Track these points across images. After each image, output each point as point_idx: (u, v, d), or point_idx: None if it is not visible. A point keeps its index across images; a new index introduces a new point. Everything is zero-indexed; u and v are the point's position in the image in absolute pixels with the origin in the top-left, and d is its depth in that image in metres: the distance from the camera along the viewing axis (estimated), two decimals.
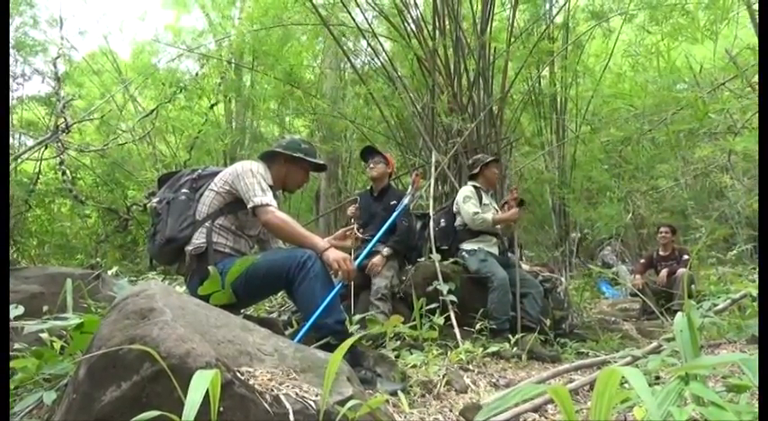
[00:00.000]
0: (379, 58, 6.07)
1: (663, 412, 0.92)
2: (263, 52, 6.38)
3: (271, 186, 2.51)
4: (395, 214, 2.90)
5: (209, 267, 2.14)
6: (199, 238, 2.40)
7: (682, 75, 5.81)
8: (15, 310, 2.56)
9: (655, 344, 2.46)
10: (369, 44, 5.99)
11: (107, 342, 1.27)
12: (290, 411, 1.26)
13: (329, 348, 1.88)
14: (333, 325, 2.15)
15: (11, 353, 2.09)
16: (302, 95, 6.40)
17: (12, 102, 6.69)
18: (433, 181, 4.57)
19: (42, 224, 6.67)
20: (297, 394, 1.34)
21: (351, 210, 3.60)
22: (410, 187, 3.05)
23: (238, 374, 1.29)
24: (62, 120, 6.07)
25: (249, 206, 2.36)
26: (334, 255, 2.24)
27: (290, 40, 6.49)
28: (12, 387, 1.46)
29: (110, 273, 3.35)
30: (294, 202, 7.31)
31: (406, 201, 2.95)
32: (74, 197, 6.33)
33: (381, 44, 6.08)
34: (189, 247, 2.39)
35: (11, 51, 6.27)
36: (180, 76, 7.20)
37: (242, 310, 2.60)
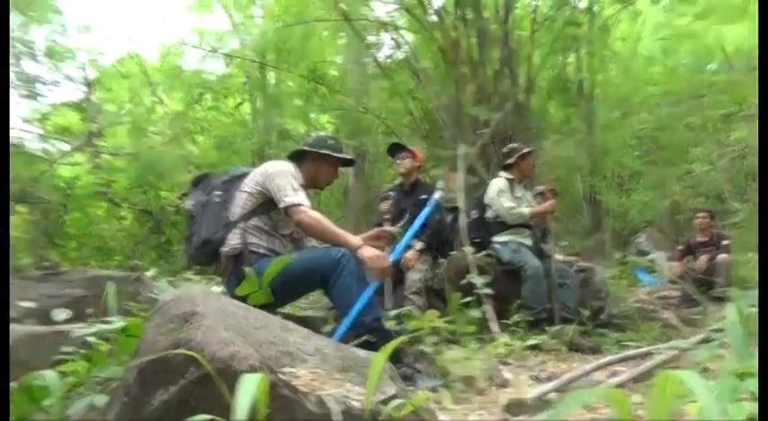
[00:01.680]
0: (401, 51, 6.03)
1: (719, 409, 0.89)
2: (286, 50, 6.41)
3: (302, 185, 2.52)
4: (428, 209, 2.88)
5: (246, 268, 2.17)
6: (233, 240, 2.43)
7: (714, 57, 5.64)
8: (62, 314, 2.65)
9: (701, 335, 2.40)
10: (391, 37, 5.97)
11: (153, 346, 1.29)
12: (335, 412, 1.27)
13: (369, 346, 1.89)
14: (371, 322, 2.16)
15: (61, 357, 2.16)
16: (326, 92, 6.41)
17: (45, 108, 6.88)
18: (461, 173, 4.54)
19: (81, 227, 6.85)
20: (341, 394, 1.34)
21: (383, 206, 3.61)
22: (440, 181, 3.04)
23: (281, 376, 1.30)
24: (94, 124, 6.22)
25: (281, 206, 2.38)
26: (368, 252, 2.25)
27: (312, 37, 6.50)
28: (65, 390, 1.49)
29: (148, 274, 3.41)
30: (323, 199, 7.35)
31: (437, 195, 2.93)
32: (109, 200, 6.48)
33: (403, 37, 6.04)
34: (224, 249, 2.42)
35: (42, 58, 6.42)
36: (206, 77, 7.29)
37: (278, 309, 2.62)
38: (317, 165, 2.69)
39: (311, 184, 2.70)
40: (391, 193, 3.87)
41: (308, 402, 1.25)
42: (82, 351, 2.19)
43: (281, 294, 2.27)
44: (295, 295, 2.61)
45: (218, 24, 9.02)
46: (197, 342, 1.25)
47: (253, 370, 1.23)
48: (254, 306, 2.01)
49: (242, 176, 2.62)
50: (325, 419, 1.24)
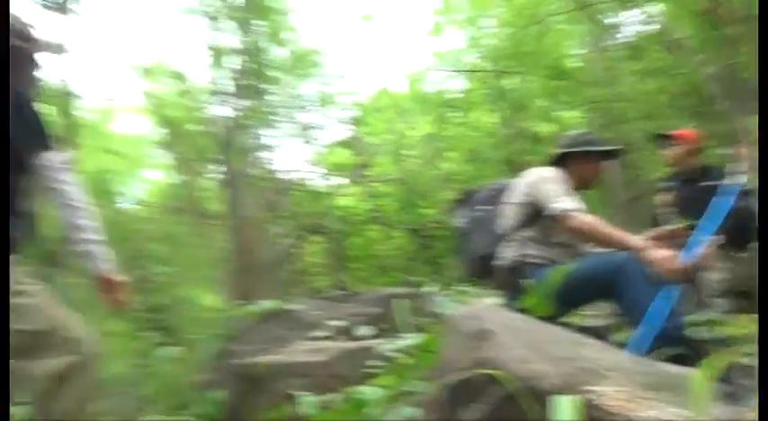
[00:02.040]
0: (650, 27, 5.44)
1: None
2: (524, 53, 6.31)
3: (571, 189, 2.44)
4: (724, 197, 2.51)
5: (526, 280, 2.16)
6: (508, 252, 2.45)
7: None
8: (364, 331, 3.02)
9: None
10: (641, 11, 5.42)
11: (455, 365, 1.36)
12: None
13: (675, 359, 1.70)
14: (672, 331, 1.94)
15: (368, 370, 2.45)
16: (571, 86, 6.12)
17: (321, 150, 7.97)
18: (746, 148, 3.85)
19: (361, 250, 7.71)
20: (656, 417, 1.23)
21: (663, 199, 3.26)
22: (730, 161, 2.63)
23: (588, 395, 1.25)
24: (361, 157, 7.00)
25: (551, 214, 2.32)
26: (655, 253, 2.04)
27: (548, 34, 6.30)
28: (383, 401, 1.67)
29: (428, 289, 3.66)
30: (584, 197, 6.98)
31: (731, 180, 2.54)
32: (381, 222, 7.18)
33: (648, 11, 5.44)
34: (499, 262, 2.46)
35: (313, 108, 7.45)
36: (449, 96, 7.60)
37: (561, 321, 2.56)
38: (580, 165, 2.57)
39: (580, 187, 2.58)
40: (671, 184, 3.47)
41: None
42: (385, 364, 2.46)
43: (562, 305, 2.20)
44: (578, 305, 2.50)
45: (456, 43, 9.37)
46: (496, 360, 1.28)
47: (555, 389, 1.20)
48: (538, 318, 1.99)
49: (506, 188, 2.64)
50: None
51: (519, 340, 1.36)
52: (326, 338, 2.99)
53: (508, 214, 2.54)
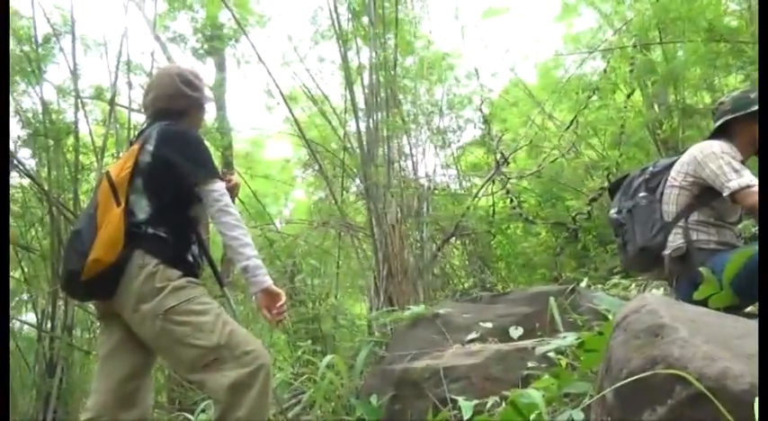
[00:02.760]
0: None
1: None
2: (671, 20, 5.74)
3: (741, 161, 2.15)
4: None
5: (701, 268, 1.93)
6: (676, 240, 2.22)
7: None
8: (516, 331, 2.91)
9: None
10: None
11: (626, 364, 1.24)
12: None
13: None
14: None
15: (528, 372, 2.35)
16: (731, 48, 5.44)
17: (457, 152, 7.91)
18: None
19: (505, 248, 7.50)
20: None
21: None
22: None
23: None
24: (499, 155, 6.83)
25: (726, 194, 2.06)
26: None
27: None
28: (544, 404, 1.59)
29: (582, 285, 3.45)
30: (754, 167, 6.17)
31: None
32: (524, 219, 6.93)
33: None
34: (667, 251, 2.23)
35: (447, 111, 7.43)
36: (589, 79, 7.16)
37: (744, 311, 2.25)
38: (748, 128, 2.29)
39: (753, 151, 2.29)
40: None
41: None
42: (544, 365, 2.34)
43: (746, 293, 1.94)
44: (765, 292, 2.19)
45: (589, 24, 8.84)
46: (675, 358, 1.14)
47: (754, 389, 1.05)
48: (717, 309, 1.78)
49: (665, 170, 2.40)
50: None
51: (702, 335, 1.20)
52: (478, 341, 2.93)
53: (671, 199, 2.31)
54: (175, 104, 2.25)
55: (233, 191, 2.36)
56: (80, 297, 2.71)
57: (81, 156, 6.30)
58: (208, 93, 2.40)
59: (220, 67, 8.99)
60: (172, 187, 2.09)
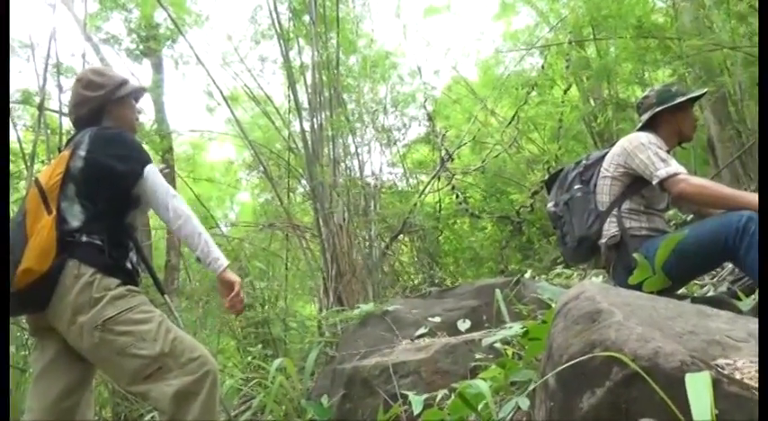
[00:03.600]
0: None
1: None
2: (603, 17, 5.96)
3: (667, 150, 2.26)
4: None
5: (634, 254, 2.01)
6: (610, 229, 2.31)
7: None
8: (464, 324, 2.95)
9: None
10: None
11: (567, 350, 1.27)
12: None
13: None
14: None
15: (476, 363, 2.39)
16: (659, 43, 5.70)
17: (401, 149, 7.96)
18: None
19: (452, 243, 7.61)
20: None
21: None
22: None
23: (720, 370, 1.12)
24: (443, 152, 6.91)
25: (655, 182, 2.16)
26: None
27: None
28: (492, 394, 1.62)
29: (526, 276, 3.54)
30: (683, 157, 6.50)
31: None
32: (470, 214, 7.04)
33: None
34: (602, 240, 2.32)
35: (389, 108, 7.47)
36: (528, 75, 7.35)
37: (675, 293, 2.37)
38: (673, 120, 2.43)
39: (677, 142, 2.42)
40: None
41: None
42: (491, 356, 2.38)
43: (677, 276, 2.04)
44: (694, 274, 2.31)
45: (526, 21, 9.07)
46: (612, 341, 1.19)
47: (684, 366, 1.10)
48: (651, 292, 1.85)
49: (596, 163, 2.49)
50: None
51: (636, 318, 1.25)
52: (428, 336, 2.96)
53: (604, 189, 2.40)
54: (83, 110, 2.16)
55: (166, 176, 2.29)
56: (11, 310, 2.57)
57: (10, 164, 5.97)
58: (119, 83, 2.21)
59: (157, 68, 8.73)
60: (106, 193, 2.00)
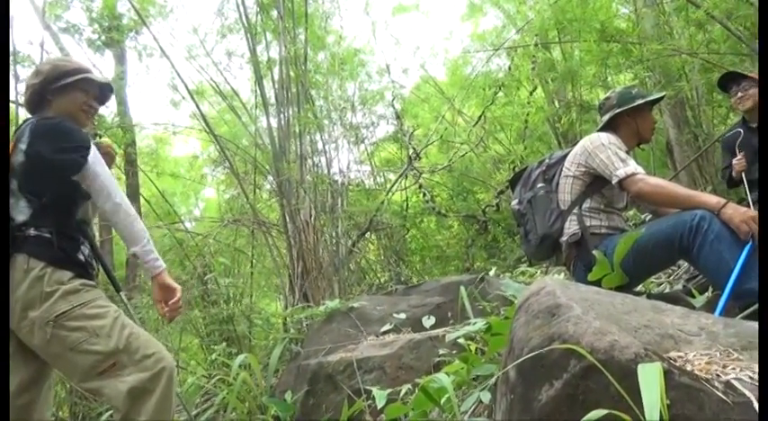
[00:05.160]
0: None
1: None
2: (568, 21, 6.08)
3: (627, 151, 2.33)
4: None
5: (594, 251, 2.07)
6: (571, 227, 2.36)
7: None
8: (429, 321, 2.98)
9: None
10: None
11: (527, 343, 1.30)
12: (753, 399, 1.07)
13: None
14: (753, 288, 1.81)
15: (439, 359, 2.42)
16: (621, 48, 5.84)
17: (370, 148, 7.96)
18: None
19: (419, 242, 7.66)
20: (750, 377, 1.14)
21: (739, 163, 3.04)
22: None
23: (672, 362, 1.17)
24: (411, 150, 6.95)
25: (614, 181, 2.22)
26: (733, 212, 1.90)
27: None
28: (453, 388, 1.64)
29: (491, 274, 3.59)
30: (642, 159, 6.69)
31: None
32: (437, 213, 7.10)
33: None
34: (564, 238, 2.37)
35: (359, 107, 7.46)
36: (495, 76, 7.44)
37: (633, 290, 2.44)
38: (632, 121, 2.52)
39: (636, 143, 2.50)
40: (738, 132, 3.23)
41: (715, 389, 1.09)
42: (455, 352, 2.41)
43: (634, 273, 2.10)
44: (651, 271, 2.38)
45: (494, 23, 9.20)
46: (570, 334, 1.22)
47: (638, 358, 1.13)
48: (610, 289, 1.90)
49: (558, 162, 2.55)
50: (740, 409, 1.06)
51: (593, 312, 1.28)
52: (393, 332, 2.97)
53: (565, 188, 2.45)
54: (26, 97, 2.12)
55: (108, 160, 2.20)
56: None
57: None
58: (64, 72, 2.12)
59: (120, 59, 8.52)
60: (52, 185, 1.94)
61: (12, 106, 6.09)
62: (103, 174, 1.97)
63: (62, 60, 2.25)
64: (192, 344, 5.77)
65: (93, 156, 1.99)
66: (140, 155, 8.65)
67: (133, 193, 7.77)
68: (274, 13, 6.05)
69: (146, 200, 7.94)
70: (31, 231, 1.89)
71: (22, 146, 1.95)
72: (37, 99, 2.11)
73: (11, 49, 5.76)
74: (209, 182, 9.77)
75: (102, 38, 7.52)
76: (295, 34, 6.01)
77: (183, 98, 7.74)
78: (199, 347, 5.55)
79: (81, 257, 1.97)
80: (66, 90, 2.11)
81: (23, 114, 5.74)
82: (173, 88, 7.80)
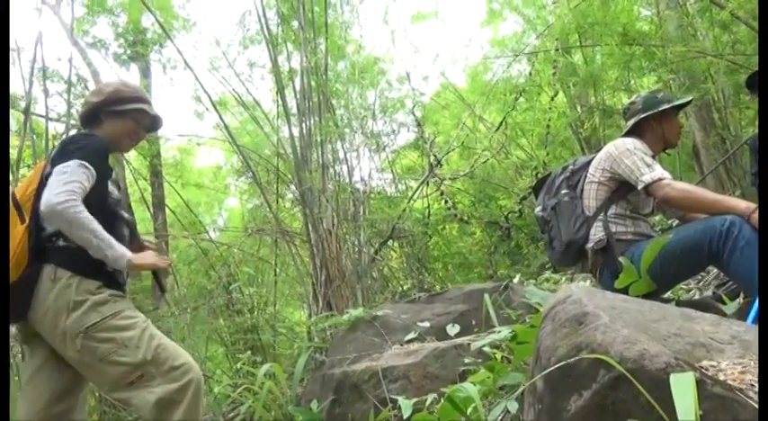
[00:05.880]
0: None
1: None
2: (589, 25, 6.04)
3: (652, 156, 2.30)
4: None
5: (620, 258, 2.04)
6: (597, 234, 2.34)
7: None
8: (453, 329, 2.96)
9: None
10: None
11: (554, 353, 1.29)
12: None
13: None
14: None
15: (464, 368, 2.40)
16: (644, 50, 5.78)
17: (390, 155, 7.97)
18: None
19: (441, 249, 7.63)
20: None
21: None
22: None
23: (704, 371, 1.14)
24: (432, 157, 6.94)
25: (640, 187, 2.19)
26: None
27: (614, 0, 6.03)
28: (480, 398, 1.63)
29: (515, 281, 3.56)
30: (668, 163, 6.58)
31: None
32: (459, 219, 7.07)
33: None
34: (589, 245, 2.35)
35: (378, 113, 7.48)
36: (516, 82, 7.41)
37: (660, 297, 2.40)
38: (658, 126, 2.48)
39: (662, 148, 2.47)
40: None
41: (750, 399, 1.06)
42: (480, 360, 2.39)
43: (662, 279, 2.07)
44: (679, 278, 2.34)
45: (513, 28, 9.18)
46: (598, 343, 1.20)
47: (669, 367, 1.11)
48: (637, 296, 1.87)
49: (582, 168, 2.53)
50: None
51: (622, 321, 1.26)
52: (417, 340, 2.96)
53: (590, 194, 2.43)
54: (82, 112, 2.20)
55: (158, 270, 2.19)
56: None
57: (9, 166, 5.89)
58: (123, 98, 2.17)
59: (145, 72, 8.68)
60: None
61: (41, 121, 6.27)
62: (69, 175, 1.91)
63: (125, 85, 2.30)
64: (218, 353, 5.83)
65: (77, 162, 1.95)
66: (165, 166, 8.79)
67: (159, 204, 7.90)
68: (295, 24, 6.12)
69: (171, 210, 8.07)
70: (61, 242, 1.93)
71: (53, 155, 2.01)
72: (91, 116, 2.18)
73: (40, 64, 5.92)
74: (233, 192, 9.90)
75: (128, 52, 7.69)
76: (315, 44, 6.07)
77: (207, 109, 7.85)
78: (224, 356, 5.60)
79: (109, 267, 2.00)
80: (119, 115, 2.17)
81: (52, 129, 5.90)
82: (196, 99, 7.93)
